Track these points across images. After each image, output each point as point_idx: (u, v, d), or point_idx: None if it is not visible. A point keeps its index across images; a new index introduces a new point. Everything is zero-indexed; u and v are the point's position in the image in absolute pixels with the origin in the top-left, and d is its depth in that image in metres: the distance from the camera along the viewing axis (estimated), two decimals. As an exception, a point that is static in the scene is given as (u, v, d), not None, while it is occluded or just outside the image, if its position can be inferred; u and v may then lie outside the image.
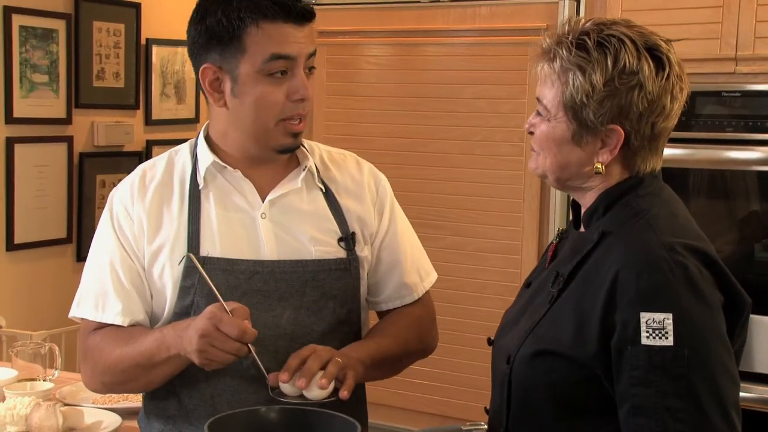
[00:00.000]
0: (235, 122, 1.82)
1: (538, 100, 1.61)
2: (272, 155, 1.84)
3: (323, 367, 1.69)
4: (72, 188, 4.07)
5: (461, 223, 3.60)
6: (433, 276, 2.04)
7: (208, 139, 1.89)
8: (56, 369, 2.47)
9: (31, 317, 3.80)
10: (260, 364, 1.66)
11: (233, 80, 1.77)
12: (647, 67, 1.52)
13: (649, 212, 1.55)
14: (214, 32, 1.76)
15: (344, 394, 1.67)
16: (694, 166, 3.04)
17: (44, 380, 2.33)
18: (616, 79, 1.52)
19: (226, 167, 1.85)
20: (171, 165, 1.90)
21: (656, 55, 1.54)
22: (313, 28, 1.81)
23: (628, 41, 1.53)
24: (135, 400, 2.26)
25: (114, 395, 2.34)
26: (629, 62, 1.52)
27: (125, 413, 2.20)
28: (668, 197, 1.61)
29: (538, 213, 3.44)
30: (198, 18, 1.80)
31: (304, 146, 1.92)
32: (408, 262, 1.98)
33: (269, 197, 1.85)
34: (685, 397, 1.41)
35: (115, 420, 2.15)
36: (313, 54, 1.81)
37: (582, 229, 1.65)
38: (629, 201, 1.57)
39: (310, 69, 1.82)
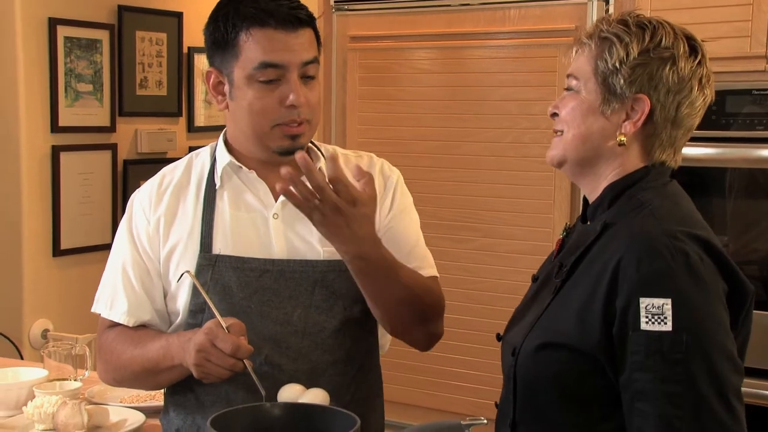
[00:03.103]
0: (236, 124, 1.87)
1: (570, 76, 1.65)
2: (274, 157, 1.86)
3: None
4: (116, 194, 4.13)
5: (493, 225, 3.61)
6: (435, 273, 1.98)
7: (226, 141, 1.94)
8: (87, 369, 2.52)
9: (78, 321, 3.85)
10: (256, 379, 1.67)
11: (230, 84, 1.83)
12: (682, 47, 1.58)
13: (652, 203, 1.56)
14: (215, 38, 1.83)
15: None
16: (726, 165, 3.01)
17: (74, 380, 2.37)
18: (651, 51, 1.57)
19: (241, 168, 1.89)
20: (190, 167, 1.96)
21: (692, 44, 1.59)
22: (311, 34, 1.83)
23: (667, 25, 1.59)
24: (160, 399, 2.30)
25: (141, 395, 2.40)
26: (666, 39, 1.57)
27: (150, 412, 2.24)
28: (673, 191, 1.62)
29: (569, 214, 3.42)
30: (207, 24, 1.87)
31: (319, 148, 1.95)
32: (408, 250, 1.91)
33: (282, 198, 1.87)
34: (683, 383, 1.41)
35: (139, 418, 2.20)
36: (310, 62, 1.82)
37: (588, 222, 1.67)
38: (633, 193, 1.59)
39: (309, 77, 1.83)
